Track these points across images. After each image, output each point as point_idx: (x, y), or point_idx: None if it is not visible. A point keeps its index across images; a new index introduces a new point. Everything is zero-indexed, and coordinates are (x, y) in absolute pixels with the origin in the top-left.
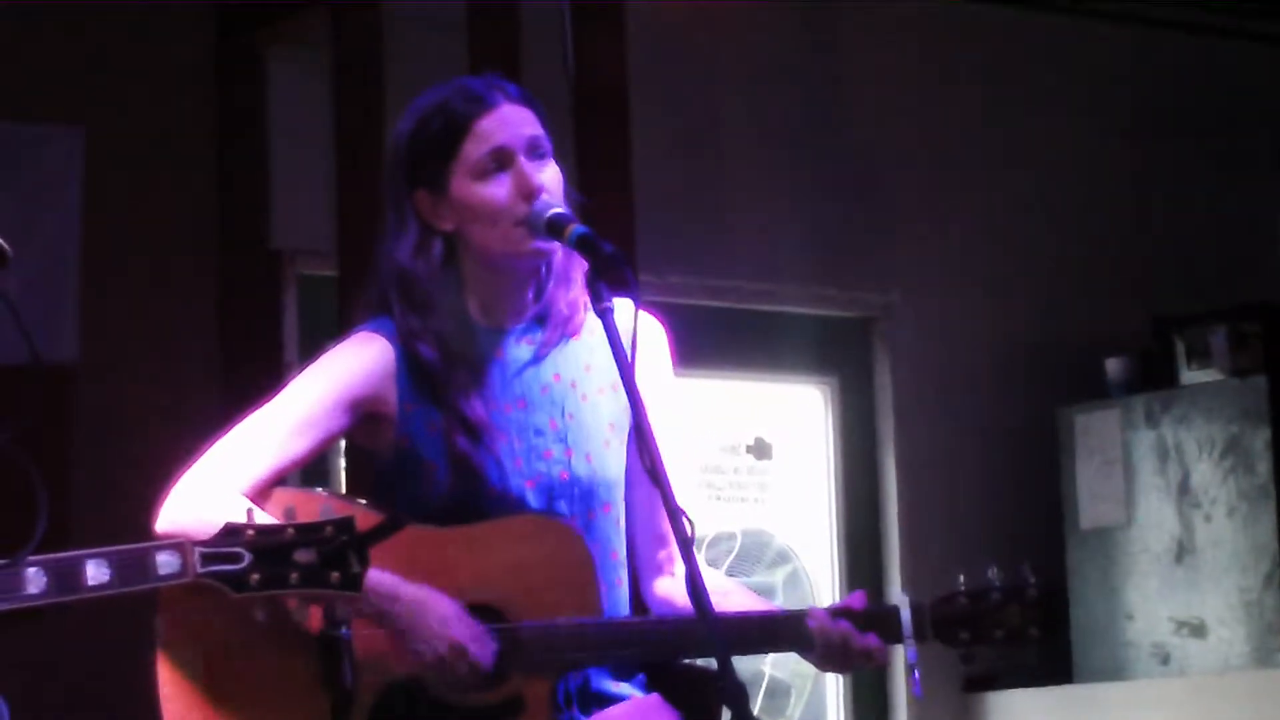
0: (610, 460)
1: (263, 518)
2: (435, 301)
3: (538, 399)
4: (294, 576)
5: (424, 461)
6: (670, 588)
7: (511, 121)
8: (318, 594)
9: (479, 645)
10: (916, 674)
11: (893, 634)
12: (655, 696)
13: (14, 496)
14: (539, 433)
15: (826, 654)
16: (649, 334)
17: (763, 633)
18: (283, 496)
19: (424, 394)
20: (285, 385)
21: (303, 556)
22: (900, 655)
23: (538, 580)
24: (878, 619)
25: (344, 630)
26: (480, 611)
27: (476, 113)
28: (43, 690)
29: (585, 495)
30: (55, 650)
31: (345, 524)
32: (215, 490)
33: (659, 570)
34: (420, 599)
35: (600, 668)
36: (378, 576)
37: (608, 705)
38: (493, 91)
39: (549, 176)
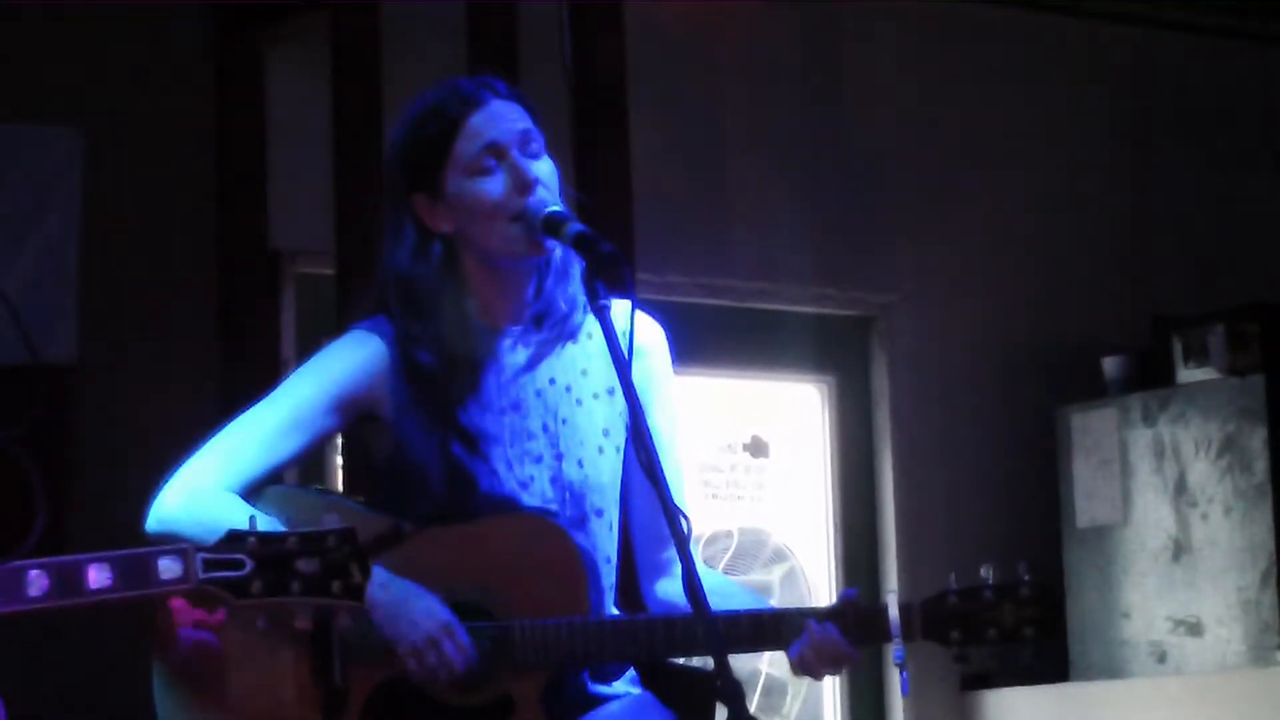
0: (603, 466)
1: (262, 524)
2: (435, 305)
3: (531, 403)
4: (296, 585)
5: (418, 464)
6: (671, 589)
7: (502, 117)
8: (320, 603)
9: (453, 643)
10: (904, 674)
11: (881, 633)
12: (649, 695)
13: (12, 496)
14: (531, 437)
15: (819, 658)
16: (650, 335)
17: (751, 631)
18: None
19: (419, 397)
20: (281, 384)
21: (305, 565)
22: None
23: (527, 579)
24: (865, 618)
25: (335, 629)
26: (470, 610)
27: (467, 111)
28: (41, 690)
29: (576, 500)
30: (54, 650)
31: (347, 534)
32: (207, 490)
33: (660, 572)
34: (404, 592)
35: (591, 670)
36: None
37: (600, 705)
38: (481, 89)
39: (544, 171)
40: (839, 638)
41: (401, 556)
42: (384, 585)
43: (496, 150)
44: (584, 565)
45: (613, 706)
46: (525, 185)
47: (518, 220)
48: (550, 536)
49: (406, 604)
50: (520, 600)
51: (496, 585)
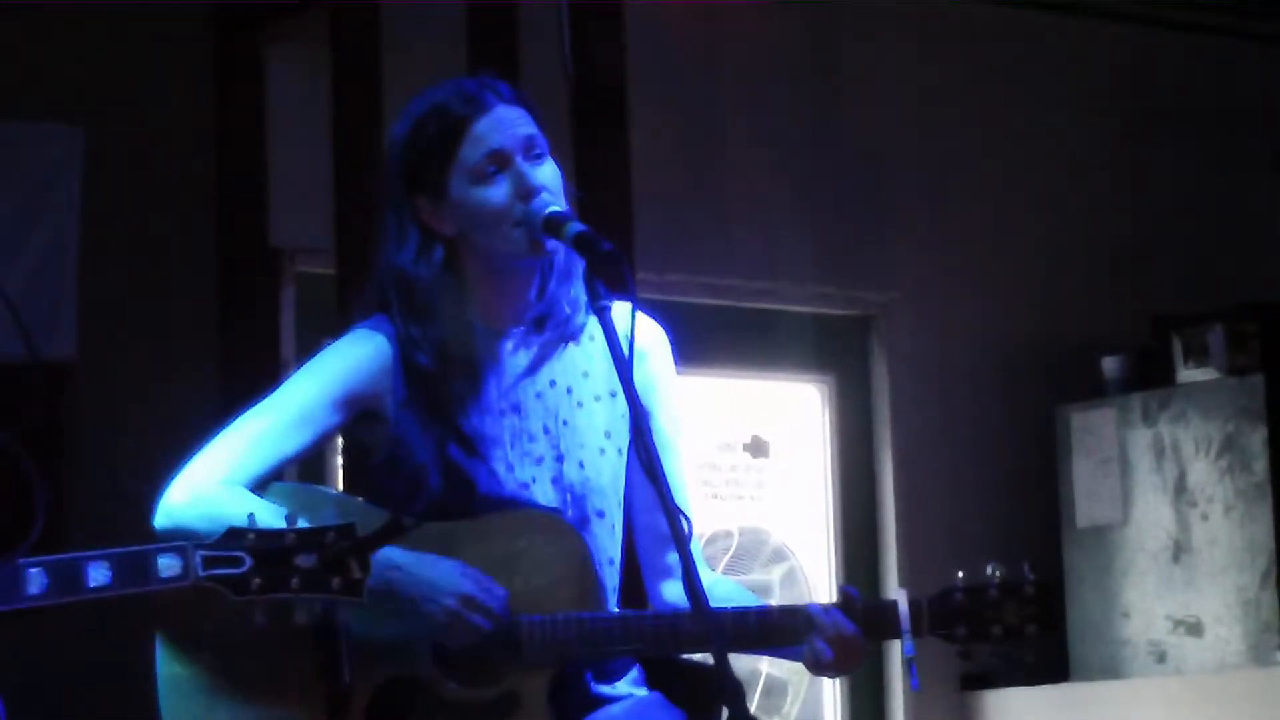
0: (604, 468)
1: (266, 519)
2: (436, 308)
3: (532, 405)
4: (295, 581)
5: (416, 463)
6: (676, 592)
7: (506, 122)
8: (319, 599)
9: (487, 594)
10: (914, 668)
11: (890, 629)
12: (657, 694)
13: (11, 494)
14: (532, 438)
15: (833, 648)
16: (652, 336)
17: (761, 628)
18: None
19: (419, 397)
20: (283, 382)
21: (304, 561)
22: (898, 652)
23: (536, 575)
24: (876, 614)
25: (340, 628)
26: None
27: (471, 115)
28: (42, 690)
29: (578, 501)
30: (55, 650)
31: (346, 530)
32: (214, 486)
33: (667, 574)
34: (420, 562)
35: (594, 670)
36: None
37: (605, 706)
38: (486, 93)
39: (547, 175)
40: (852, 627)
41: (411, 550)
42: (395, 566)
43: (500, 157)
44: (594, 563)
45: (618, 707)
46: (529, 192)
47: (519, 226)
48: (562, 535)
49: (426, 576)
50: (529, 597)
51: (505, 581)
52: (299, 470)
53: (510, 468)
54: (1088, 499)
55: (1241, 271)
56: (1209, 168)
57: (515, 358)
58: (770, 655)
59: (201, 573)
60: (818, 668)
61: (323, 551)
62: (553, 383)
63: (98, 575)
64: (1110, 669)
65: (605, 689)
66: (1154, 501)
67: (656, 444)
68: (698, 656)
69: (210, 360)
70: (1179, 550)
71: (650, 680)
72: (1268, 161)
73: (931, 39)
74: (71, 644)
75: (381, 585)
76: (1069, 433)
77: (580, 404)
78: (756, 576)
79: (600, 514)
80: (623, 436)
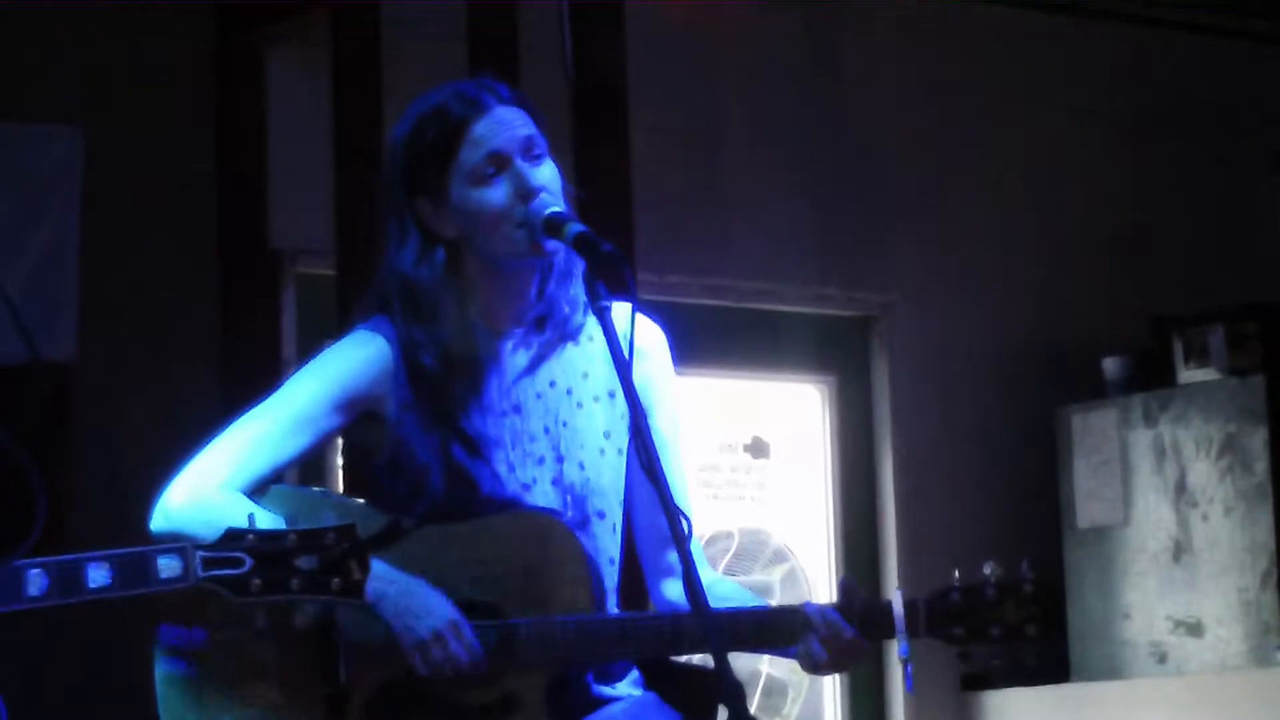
0: (604, 468)
1: (264, 522)
2: (438, 310)
3: (532, 406)
4: (295, 583)
5: (419, 464)
6: (677, 591)
7: (506, 124)
8: (319, 600)
9: (464, 639)
10: (909, 669)
11: (886, 630)
12: (653, 695)
13: (11, 494)
14: (532, 439)
15: (828, 649)
16: (651, 337)
17: (757, 628)
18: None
19: (421, 398)
20: (284, 383)
21: (304, 563)
22: (896, 652)
23: (534, 577)
24: (871, 614)
25: (339, 628)
26: (478, 608)
27: (470, 117)
28: (43, 690)
29: (578, 502)
30: (55, 650)
31: (346, 531)
32: (213, 489)
33: (666, 574)
34: (412, 586)
35: (595, 671)
36: (374, 563)
37: (603, 707)
38: (484, 94)
39: (547, 175)
40: (851, 630)
41: (410, 552)
42: (391, 580)
43: (499, 159)
44: (590, 564)
45: (616, 708)
46: (528, 193)
47: (520, 227)
48: (559, 536)
49: (413, 598)
50: (527, 598)
51: (505, 583)
52: (299, 472)
53: (512, 468)
54: (1088, 500)
55: (1241, 271)
56: (1209, 168)
57: (515, 358)
58: (767, 654)
59: (202, 574)
60: (813, 667)
61: (323, 553)
62: (552, 383)
63: (98, 576)
64: (1111, 669)
65: (605, 690)
66: (1155, 502)
67: (655, 444)
68: (697, 657)
69: (210, 360)
70: (1180, 551)
71: (648, 681)
72: (1268, 161)
73: (931, 39)
74: (71, 644)
75: (371, 598)
76: (1070, 433)
77: (580, 405)
78: (757, 577)
79: (601, 514)
80: (622, 437)
